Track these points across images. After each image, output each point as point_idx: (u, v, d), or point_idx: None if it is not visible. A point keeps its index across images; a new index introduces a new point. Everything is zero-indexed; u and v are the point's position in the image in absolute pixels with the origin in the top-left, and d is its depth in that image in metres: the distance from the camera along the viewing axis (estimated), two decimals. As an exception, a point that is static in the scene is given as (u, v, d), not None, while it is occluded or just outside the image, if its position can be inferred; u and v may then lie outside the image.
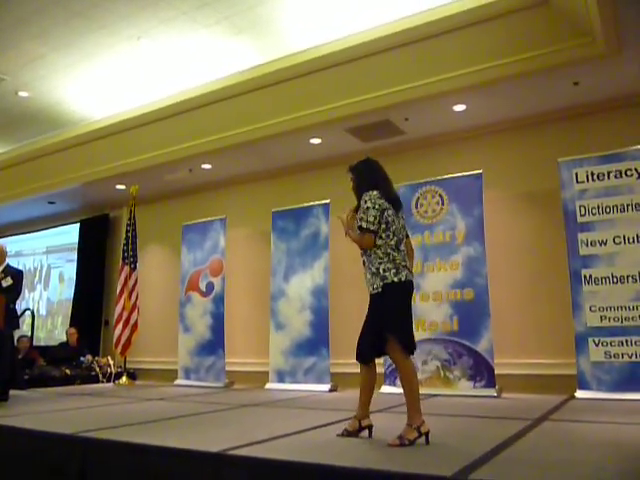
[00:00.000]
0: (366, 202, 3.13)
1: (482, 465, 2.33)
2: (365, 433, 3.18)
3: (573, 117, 5.90)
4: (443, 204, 5.85)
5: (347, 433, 3.17)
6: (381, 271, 3.06)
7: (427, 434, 2.91)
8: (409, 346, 3.04)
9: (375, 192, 3.18)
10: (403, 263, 3.13)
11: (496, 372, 5.24)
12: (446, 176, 5.92)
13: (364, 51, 5.97)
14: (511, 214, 6.09)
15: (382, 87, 5.88)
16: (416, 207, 5.96)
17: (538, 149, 6.02)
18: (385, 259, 3.08)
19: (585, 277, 5.07)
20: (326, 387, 6.04)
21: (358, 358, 3.23)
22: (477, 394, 5.18)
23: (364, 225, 3.09)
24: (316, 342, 6.23)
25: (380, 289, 3.06)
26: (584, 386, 4.92)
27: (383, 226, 3.12)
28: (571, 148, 5.56)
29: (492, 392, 5.16)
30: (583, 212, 5.18)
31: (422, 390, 5.31)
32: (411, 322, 3.15)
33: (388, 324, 3.02)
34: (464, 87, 5.54)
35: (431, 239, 5.81)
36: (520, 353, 5.68)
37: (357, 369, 6.63)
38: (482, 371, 5.28)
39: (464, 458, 2.43)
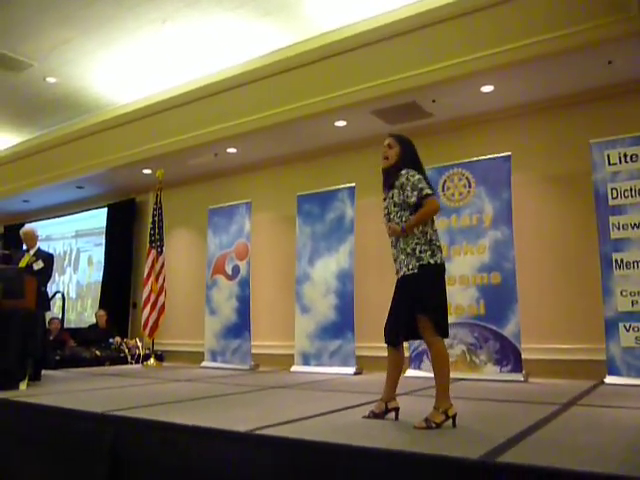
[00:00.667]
0: (413, 176, 3.03)
1: (510, 448, 2.32)
2: (391, 415, 3.17)
3: (606, 97, 5.74)
4: (470, 187, 5.77)
5: (373, 415, 3.14)
6: (417, 252, 2.97)
7: (454, 417, 2.88)
8: (444, 328, 2.98)
9: (417, 174, 3.08)
10: (438, 243, 3.07)
11: (523, 357, 5.19)
12: (473, 159, 5.83)
13: (390, 32, 5.90)
14: (540, 197, 5.98)
15: (409, 68, 5.80)
16: (443, 190, 5.89)
17: (569, 131, 5.88)
18: (422, 239, 2.99)
19: (616, 261, 4.96)
20: (351, 370, 6.06)
21: (387, 340, 3.15)
22: (503, 378, 5.14)
23: (427, 191, 2.98)
24: (341, 325, 6.24)
25: (416, 270, 2.96)
26: (614, 372, 4.84)
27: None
28: (603, 129, 5.42)
29: (519, 377, 5.11)
30: (615, 195, 5.06)
31: (447, 374, 5.36)
32: (446, 305, 3.05)
33: (423, 305, 2.94)
34: (492, 67, 5.43)
35: (458, 222, 5.75)
36: (548, 338, 5.61)
37: (382, 352, 6.62)
38: (509, 355, 5.24)
39: (491, 441, 2.41)
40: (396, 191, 3.08)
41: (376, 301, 6.66)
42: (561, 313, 5.65)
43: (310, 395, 4.40)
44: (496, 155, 5.70)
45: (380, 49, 6.02)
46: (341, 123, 6.74)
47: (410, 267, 2.98)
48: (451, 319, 5.51)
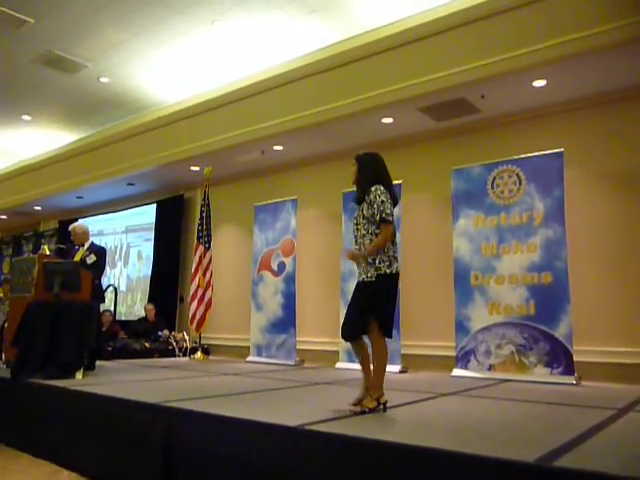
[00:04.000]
0: (379, 196, 3.36)
1: (566, 453, 2.27)
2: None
3: (665, 90, 5.53)
4: (520, 184, 5.65)
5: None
6: (377, 262, 3.32)
7: (385, 403, 3.28)
8: (388, 330, 3.32)
9: (381, 187, 3.41)
10: (395, 255, 3.42)
11: (575, 359, 5.05)
12: (524, 155, 5.71)
13: (439, 28, 5.82)
14: (595, 194, 5.80)
15: (457, 64, 5.71)
16: (492, 187, 5.79)
17: (626, 125, 5.68)
18: (381, 251, 3.33)
19: (676, 261, 4.78)
20: (397, 368, 6.03)
21: (343, 336, 3.47)
22: (554, 381, 5.02)
23: (386, 217, 3.32)
24: (387, 323, 6.21)
25: (373, 278, 3.31)
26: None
27: None
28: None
29: (571, 380, 4.98)
30: (675, 192, 4.87)
31: (495, 375, 5.30)
32: (394, 309, 3.43)
33: (373, 309, 3.30)
34: (545, 61, 5.28)
35: (507, 220, 5.64)
36: (602, 340, 5.44)
37: (428, 350, 6.61)
38: (560, 357, 5.11)
39: (546, 445, 2.36)
40: (365, 205, 3.42)
41: (421, 298, 6.63)
42: (617, 315, 5.47)
43: (356, 392, 4.40)
44: (548, 151, 5.56)
45: (428, 45, 5.94)
46: (388, 120, 6.70)
47: (369, 275, 3.33)
48: (499, 319, 5.51)
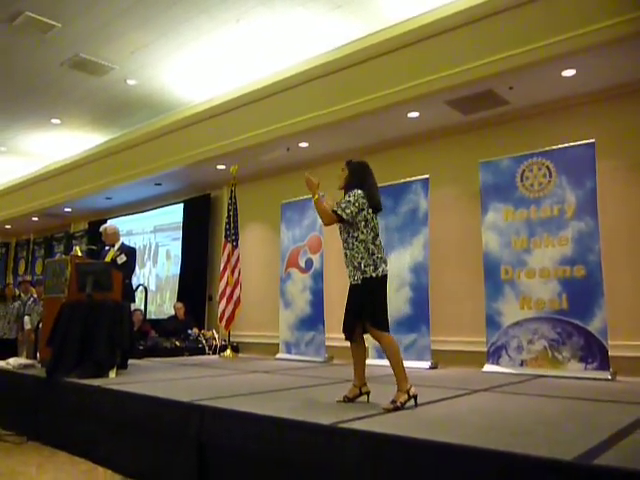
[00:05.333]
0: (349, 197, 3.51)
1: (606, 450, 2.22)
2: (364, 398, 3.58)
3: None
4: (551, 176, 5.54)
5: (348, 399, 3.54)
6: (362, 266, 3.46)
7: (415, 397, 3.33)
8: (386, 325, 3.46)
9: (360, 191, 3.53)
10: (380, 256, 3.52)
11: (610, 354, 4.95)
12: (554, 147, 5.60)
13: (464, 19, 5.75)
14: (628, 185, 5.66)
15: (485, 56, 5.63)
16: (521, 180, 5.69)
17: (660, 114, 5.54)
18: (365, 255, 3.46)
19: None
20: (427, 364, 5.99)
21: (346, 337, 3.60)
22: (589, 376, 4.93)
23: (339, 212, 3.48)
24: (416, 319, 6.18)
25: (360, 281, 3.46)
26: None
27: (363, 222, 3.51)
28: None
29: (606, 375, 4.89)
30: None
31: (527, 370, 5.22)
32: (386, 308, 3.53)
33: (364, 311, 3.45)
34: (574, 50, 5.18)
35: (538, 214, 5.55)
36: (638, 334, 5.31)
37: (459, 346, 6.56)
38: (594, 352, 5.01)
39: (584, 442, 2.32)
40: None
41: (451, 294, 6.57)
42: (653, 308, 5.34)
43: (388, 389, 4.38)
44: (579, 142, 5.44)
45: (453, 37, 5.87)
46: (414, 114, 6.64)
47: (355, 278, 3.50)
48: (531, 313, 5.43)
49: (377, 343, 3.55)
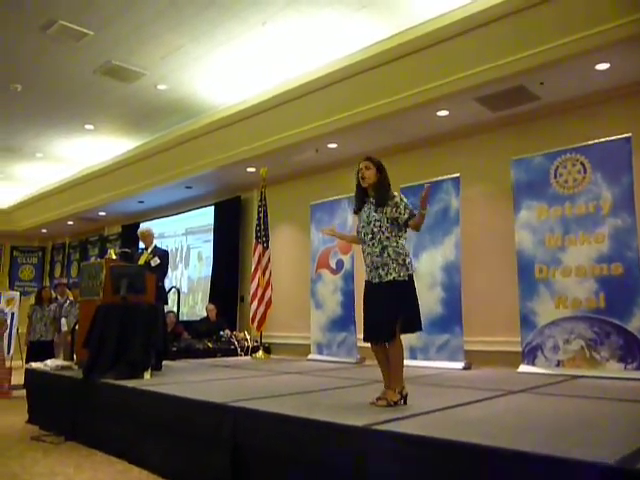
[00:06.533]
0: (398, 199, 3.53)
1: (649, 454, 2.15)
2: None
3: None
4: (585, 173, 5.42)
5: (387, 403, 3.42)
6: (406, 263, 3.46)
7: (406, 396, 3.39)
8: (418, 325, 3.53)
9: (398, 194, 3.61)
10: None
11: (651, 353, 4.82)
12: (589, 142, 5.47)
13: (494, 15, 5.66)
14: (667, 180, 5.50)
15: (515, 51, 5.55)
16: (555, 177, 5.58)
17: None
18: (406, 252, 3.51)
19: None
20: (460, 365, 5.92)
21: (376, 339, 3.55)
22: (629, 376, 4.79)
23: (414, 213, 3.49)
24: (448, 319, 6.11)
25: (406, 278, 3.44)
26: None
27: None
28: None
29: (647, 375, 4.76)
30: None
31: (564, 371, 5.12)
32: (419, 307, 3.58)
33: (406, 308, 3.44)
34: (608, 43, 5.07)
35: (573, 211, 5.43)
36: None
37: (492, 346, 6.45)
38: (634, 352, 4.87)
39: (627, 445, 2.25)
40: (389, 208, 3.51)
41: (485, 293, 6.48)
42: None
43: (421, 390, 4.34)
44: (614, 137, 5.31)
45: (482, 34, 5.78)
46: (443, 113, 6.58)
47: (401, 274, 3.43)
48: (567, 312, 5.31)
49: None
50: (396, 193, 3.60)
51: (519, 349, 5.59)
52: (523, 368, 5.48)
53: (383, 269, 3.45)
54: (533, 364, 5.45)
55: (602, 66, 5.46)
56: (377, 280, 3.48)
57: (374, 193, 3.60)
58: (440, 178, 6.50)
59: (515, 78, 5.70)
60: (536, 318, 5.50)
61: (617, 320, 4.99)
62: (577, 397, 3.88)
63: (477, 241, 6.52)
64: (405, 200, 3.56)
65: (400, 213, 3.49)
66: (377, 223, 3.52)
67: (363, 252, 3.63)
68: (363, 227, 3.60)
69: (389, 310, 3.41)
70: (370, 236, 3.53)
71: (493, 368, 5.91)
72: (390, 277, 3.43)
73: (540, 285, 5.52)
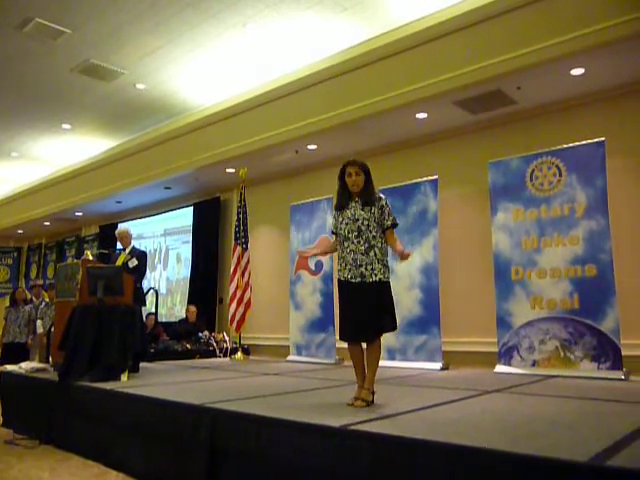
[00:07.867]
0: (385, 203, 3.61)
1: (619, 451, 2.20)
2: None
3: None
4: (561, 175, 5.50)
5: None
6: (388, 264, 3.60)
7: (373, 394, 3.51)
8: (395, 324, 3.60)
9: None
10: None
11: (623, 353, 4.91)
12: (563, 146, 5.56)
13: (471, 20, 5.76)
14: (639, 183, 5.62)
15: (492, 56, 5.63)
16: (531, 180, 5.66)
17: (670, 111, 5.50)
18: (386, 256, 3.60)
19: None
20: (438, 365, 5.97)
21: (360, 339, 3.59)
22: (602, 376, 4.88)
23: (394, 223, 3.61)
24: (426, 320, 6.16)
25: (389, 279, 3.57)
26: None
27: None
28: None
29: (619, 375, 4.84)
30: None
31: (539, 371, 5.20)
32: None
33: (392, 309, 3.57)
34: (583, 49, 5.18)
35: (548, 213, 5.51)
36: (651, 333, 5.28)
37: (470, 347, 6.52)
38: (607, 352, 4.97)
39: (597, 443, 2.30)
40: (377, 210, 3.59)
41: (462, 295, 6.55)
42: (665, 307, 5.30)
43: (399, 390, 4.38)
44: (588, 141, 5.40)
45: (460, 38, 5.87)
46: (422, 115, 6.64)
47: (386, 275, 3.56)
48: (542, 313, 5.39)
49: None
50: (382, 195, 3.67)
51: (496, 349, 5.66)
52: (499, 368, 5.55)
53: (366, 268, 3.49)
54: (509, 364, 5.52)
55: (577, 71, 5.56)
56: (359, 279, 3.49)
57: (362, 195, 3.63)
58: (418, 180, 6.56)
59: (492, 82, 5.78)
60: (512, 319, 5.58)
61: (591, 321, 5.08)
62: (552, 397, 3.94)
63: (455, 243, 6.59)
64: (389, 207, 3.63)
65: (384, 219, 3.58)
66: (365, 222, 3.55)
67: (343, 250, 3.60)
68: (347, 224, 3.59)
69: (376, 310, 3.48)
70: (356, 233, 3.55)
71: (471, 368, 5.98)
72: (376, 278, 3.49)
73: (516, 286, 5.59)
